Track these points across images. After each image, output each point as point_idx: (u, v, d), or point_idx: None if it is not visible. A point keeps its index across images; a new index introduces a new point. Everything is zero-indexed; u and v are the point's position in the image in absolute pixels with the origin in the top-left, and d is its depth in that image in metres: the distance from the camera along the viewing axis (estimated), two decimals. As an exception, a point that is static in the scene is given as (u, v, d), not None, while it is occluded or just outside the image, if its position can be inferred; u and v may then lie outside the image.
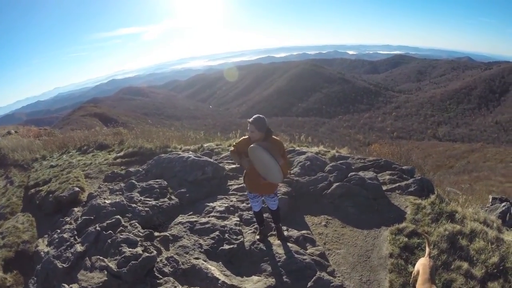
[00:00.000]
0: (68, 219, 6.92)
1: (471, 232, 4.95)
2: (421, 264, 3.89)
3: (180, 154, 8.27)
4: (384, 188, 6.40)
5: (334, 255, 4.89)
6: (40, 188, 8.95)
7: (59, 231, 6.56)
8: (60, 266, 5.31)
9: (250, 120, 4.05)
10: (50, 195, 8.23)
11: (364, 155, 9.31)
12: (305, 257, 4.47)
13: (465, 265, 4.35)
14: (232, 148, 4.44)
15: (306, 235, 5.07)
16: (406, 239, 4.86)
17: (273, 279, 4.21)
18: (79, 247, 5.56)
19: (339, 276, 4.42)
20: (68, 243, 5.87)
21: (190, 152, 8.70)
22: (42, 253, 6.08)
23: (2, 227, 7.55)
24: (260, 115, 4.08)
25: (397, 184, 6.53)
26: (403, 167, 7.30)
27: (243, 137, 4.39)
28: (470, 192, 10.08)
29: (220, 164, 7.80)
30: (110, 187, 7.61)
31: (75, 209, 7.24)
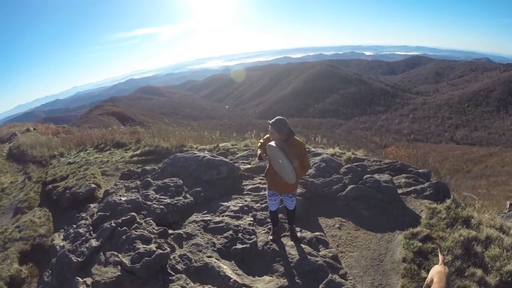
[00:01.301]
0: (84, 214, 7.07)
1: (486, 239, 4.83)
2: (437, 272, 3.79)
3: (195, 153, 8.33)
4: (400, 191, 6.31)
5: (347, 258, 4.85)
6: (58, 184, 9.17)
7: (75, 226, 6.71)
8: (74, 260, 5.44)
9: (271, 121, 4.05)
10: (67, 191, 8.42)
11: (380, 157, 9.21)
12: (317, 259, 4.44)
13: (479, 272, 4.25)
14: (259, 144, 4.51)
15: (319, 236, 5.04)
16: (420, 244, 4.78)
17: (285, 280, 4.20)
18: (94, 242, 5.68)
19: (351, 279, 4.37)
20: (83, 238, 6.00)
21: (206, 152, 8.76)
22: (57, 247, 6.23)
23: (19, 221, 7.77)
24: (281, 117, 4.06)
25: (412, 188, 6.43)
26: (419, 171, 7.18)
27: (267, 135, 4.39)
28: (487, 197, 9.85)
29: (236, 164, 7.82)
30: (126, 184, 7.73)
31: (91, 205, 7.39)
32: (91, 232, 6.18)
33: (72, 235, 6.38)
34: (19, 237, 7.03)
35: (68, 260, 5.53)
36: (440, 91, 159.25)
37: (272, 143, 3.92)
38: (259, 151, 4.40)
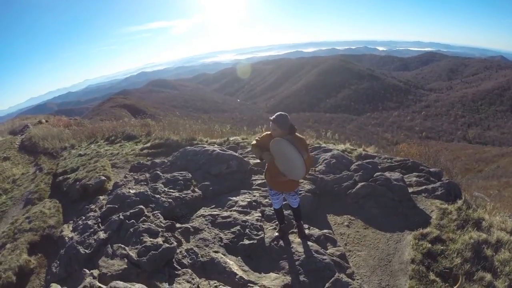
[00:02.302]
0: (93, 206, 7.14)
1: (497, 242, 4.70)
2: None
3: (205, 147, 8.32)
4: (410, 190, 6.19)
5: (354, 257, 4.78)
6: (68, 175, 9.28)
7: (84, 217, 6.78)
8: (82, 252, 5.49)
9: (272, 117, 3.98)
10: (77, 183, 8.51)
11: (391, 154, 9.06)
12: (324, 257, 4.39)
13: (488, 276, 4.13)
14: (254, 142, 4.39)
15: (327, 234, 4.97)
16: (429, 245, 4.67)
17: (291, 278, 4.16)
18: (102, 234, 5.73)
19: (358, 279, 4.31)
20: (91, 230, 6.06)
21: (216, 146, 8.75)
22: (66, 238, 6.30)
23: (29, 212, 7.88)
24: (282, 113, 4.01)
25: (423, 187, 6.29)
26: (431, 169, 7.04)
27: (266, 133, 4.31)
28: (499, 199, 9.62)
29: (245, 159, 7.79)
30: (136, 177, 7.77)
31: (101, 197, 7.46)
32: (100, 224, 6.24)
33: (81, 226, 6.45)
34: (28, 228, 7.13)
35: (76, 251, 5.60)
36: (454, 88, 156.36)
37: (278, 138, 3.86)
38: (257, 151, 4.29)
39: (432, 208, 5.66)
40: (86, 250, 5.57)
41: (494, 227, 5.08)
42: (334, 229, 5.37)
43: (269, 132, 4.21)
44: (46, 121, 20.90)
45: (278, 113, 4.03)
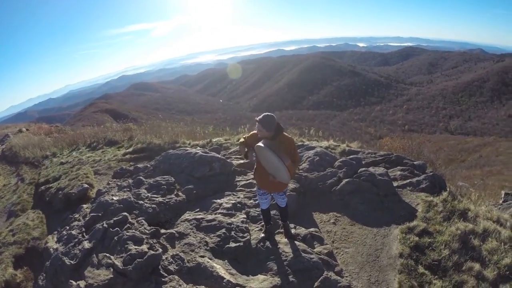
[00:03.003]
0: (76, 215, 6.97)
1: (483, 232, 4.77)
2: None
3: (187, 150, 8.21)
4: (395, 184, 6.24)
5: (342, 254, 4.77)
6: (50, 185, 9.04)
7: (68, 227, 6.61)
8: (68, 263, 5.34)
9: (258, 118, 3.89)
10: (60, 192, 8.30)
11: (375, 149, 9.13)
12: (312, 256, 4.36)
13: (477, 266, 4.18)
14: (241, 140, 4.32)
15: (314, 233, 4.95)
16: (416, 238, 4.70)
17: (279, 279, 4.12)
18: (86, 244, 5.58)
19: (347, 276, 4.30)
20: (76, 240, 5.90)
21: (198, 148, 8.65)
22: (51, 249, 6.14)
23: (13, 224, 7.66)
24: (269, 114, 3.92)
25: (408, 181, 6.35)
26: (415, 163, 7.11)
27: (253, 132, 4.23)
28: (483, 188, 9.82)
29: (228, 160, 7.72)
30: (119, 183, 7.61)
31: (84, 205, 7.29)
32: (84, 234, 6.09)
33: (65, 237, 6.28)
34: (13, 241, 6.94)
35: (61, 263, 5.44)
36: (434, 81, 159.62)
37: (261, 143, 3.77)
38: (243, 150, 4.23)
39: (418, 201, 5.71)
40: (71, 261, 5.41)
41: (480, 216, 5.15)
42: (321, 227, 5.35)
43: (256, 132, 4.13)
44: (27, 129, 20.37)
45: (265, 113, 3.94)
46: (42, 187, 9.16)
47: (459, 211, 5.22)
